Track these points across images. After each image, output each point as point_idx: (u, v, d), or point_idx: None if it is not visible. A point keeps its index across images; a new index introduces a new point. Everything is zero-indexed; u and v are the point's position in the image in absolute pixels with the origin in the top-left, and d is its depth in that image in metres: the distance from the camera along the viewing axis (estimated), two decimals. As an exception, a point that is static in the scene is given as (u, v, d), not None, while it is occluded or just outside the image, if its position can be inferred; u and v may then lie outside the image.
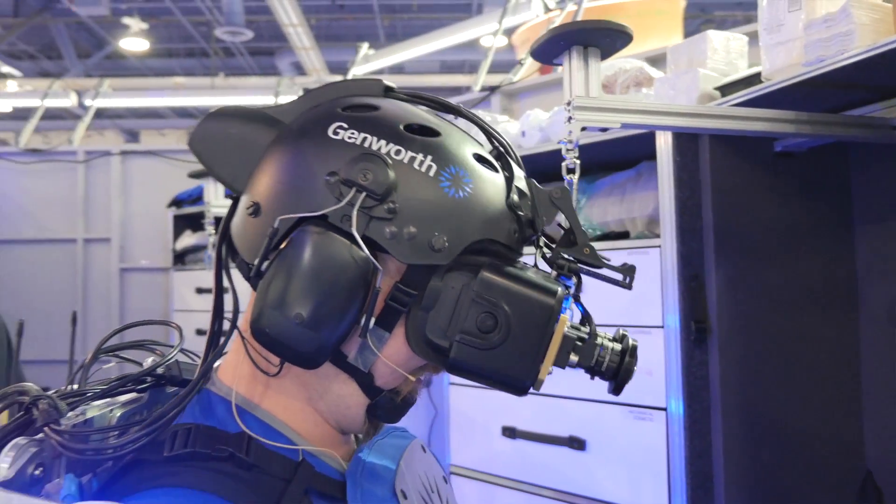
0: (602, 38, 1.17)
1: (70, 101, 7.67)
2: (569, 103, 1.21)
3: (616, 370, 0.70)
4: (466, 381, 2.24)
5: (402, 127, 0.69)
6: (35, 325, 2.66)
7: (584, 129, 1.21)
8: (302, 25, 8.54)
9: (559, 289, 0.68)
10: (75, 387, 0.73)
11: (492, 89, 3.11)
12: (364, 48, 4.83)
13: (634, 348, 0.71)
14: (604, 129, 1.25)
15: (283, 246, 0.66)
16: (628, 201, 1.99)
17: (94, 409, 0.71)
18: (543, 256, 0.75)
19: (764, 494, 1.68)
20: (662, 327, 1.73)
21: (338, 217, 0.65)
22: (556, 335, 0.67)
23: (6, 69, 9.65)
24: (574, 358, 0.69)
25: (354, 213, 0.64)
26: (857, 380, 1.78)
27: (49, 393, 0.68)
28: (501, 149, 0.75)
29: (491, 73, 3.85)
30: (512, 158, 0.76)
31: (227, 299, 0.72)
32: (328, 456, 0.74)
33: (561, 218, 0.73)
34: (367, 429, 0.77)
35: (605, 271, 0.73)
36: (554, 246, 0.73)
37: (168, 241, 4.46)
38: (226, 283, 0.74)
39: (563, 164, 1.22)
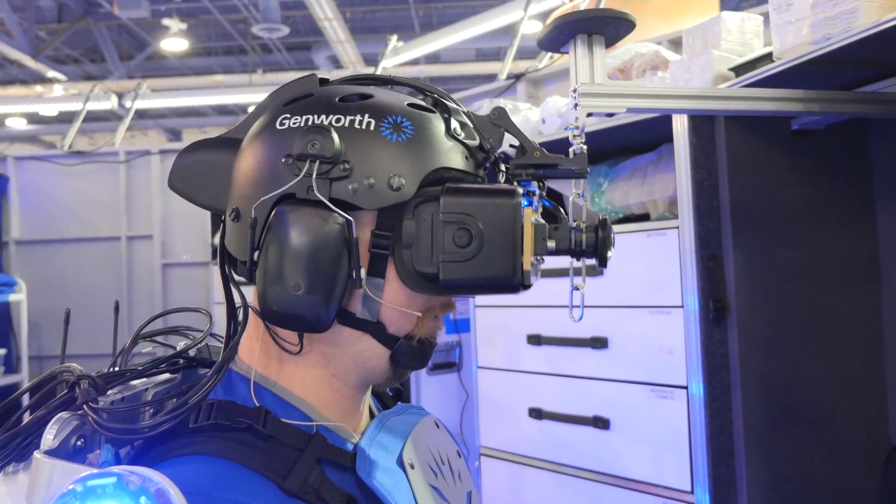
0: (605, 25, 1.20)
1: (111, 104, 7.87)
2: (574, 90, 1.24)
3: (595, 244, 0.77)
4: (494, 365, 2.27)
5: (336, 99, 0.76)
6: (83, 321, 2.77)
7: (590, 114, 1.24)
8: (337, 19, 8.63)
9: (516, 188, 0.75)
10: (116, 369, 0.81)
11: (517, 77, 3.14)
12: (393, 41, 4.87)
13: (605, 221, 0.78)
14: (610, 115, 1.28)
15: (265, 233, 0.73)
16: (649, 183, 2.02)
17: (132, 389, 0.78)
18: (505, 174, 0.83)
19: (786, 470, 1.69)
20: (682, 307, 1.75)
21: (303, 190, 0.71)
22: (526, 227, 0.73)
23: (52, 73, 9.91)
24: (552, 244, 0.77)
25: (314, 180, 0.71)
26: (880, 355, 1.78)
27: (91, 374, 0.75)
28: (436, 97, 0.82)
29: (525, 59, 3.86)
30: (448, 100, 0.82)
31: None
32: (341, 429, 0.80)
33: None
34: (388, 378, 0.82)
35: (561, 167, 0.82)
36: (510, 162, 0.81)
37: (206, 236, 4.58)
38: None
39: (571, 149, 1.25)
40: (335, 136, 0.72)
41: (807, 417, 1.72)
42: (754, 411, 1.67)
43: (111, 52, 10.27)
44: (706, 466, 1.69)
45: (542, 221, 0.77)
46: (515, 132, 0.81)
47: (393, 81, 0.84)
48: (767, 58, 1.56)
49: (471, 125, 0.80)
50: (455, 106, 0.82)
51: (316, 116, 0.74)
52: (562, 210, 0.81)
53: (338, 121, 0.74)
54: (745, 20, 1.74)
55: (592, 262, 0.80)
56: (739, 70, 1.63)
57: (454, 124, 0.78)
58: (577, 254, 0.78)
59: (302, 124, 0.74)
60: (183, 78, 11.14)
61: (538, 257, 0.77)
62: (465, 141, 0.78)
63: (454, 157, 0.76)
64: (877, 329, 1.79)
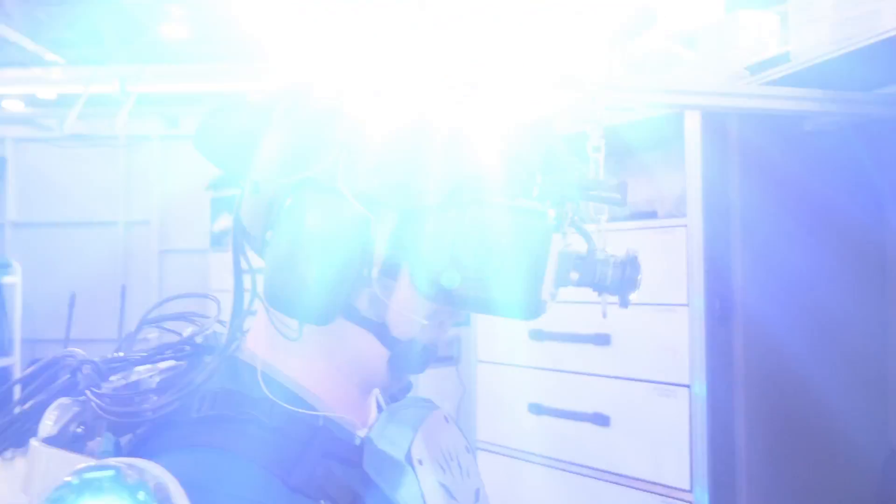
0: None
1: (112, 88, 7.80)
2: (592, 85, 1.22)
3: (619, 282, 0.73)
4: (495, 360, 2.25)
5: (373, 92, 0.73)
6: (78, 304, 2.76)
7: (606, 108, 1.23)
8: (339, 10, 8.59)
9: (547, 211, 0.71)
10: (121, 354, 0.78)
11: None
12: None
13: (635, 258, 0.74)
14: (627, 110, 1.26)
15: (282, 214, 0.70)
16: (658, 180, 2.00)
17: (136, 375, 0.76)
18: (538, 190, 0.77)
19: (786, 471, 1.68)
20: (687, 305, 1.74)
21: (327, 177, 0.69)
22: (551, 255, 0.70)
23: (51, 56, 9.84)
24: (575, 276, 0.73)
25: (340, 170, 0.68)
26: (883, 359, 1.78)
27: (94, 359, 0.73)
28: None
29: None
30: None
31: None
32: (347, 422, 0.78)
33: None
34: (389, 382, 0.79)
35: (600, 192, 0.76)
36: (544, 179, 0.76)
37: (205, 223, 4.55)
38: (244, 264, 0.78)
39: (588, 143, 1.24)
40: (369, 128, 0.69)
41: (809, 419, 1.71)
42: (756, 412, 1.66)
43: (111, 36, 10.21)
44: (706, 465, 1.67)
45: (569, 250, 0.73)
46: (554, 146, 0.76)
47: (427, 75, 0.81)
48: (784, 58, 1.54)
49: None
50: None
51: (351, 104, 0.72)
52: (591, 239, 0.76)
53: (372, 112, 0.71)
54: (761, 19, 1.72)
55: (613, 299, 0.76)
56: (755, 69, 1.61)
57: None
58: (599, 288, 0.74)
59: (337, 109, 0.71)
60: (182, 64, 11.08)
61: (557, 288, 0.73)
62: (500, 150, 0.75)
63: (487, 167, 0.73)
64: (881, 332, 1.78)
